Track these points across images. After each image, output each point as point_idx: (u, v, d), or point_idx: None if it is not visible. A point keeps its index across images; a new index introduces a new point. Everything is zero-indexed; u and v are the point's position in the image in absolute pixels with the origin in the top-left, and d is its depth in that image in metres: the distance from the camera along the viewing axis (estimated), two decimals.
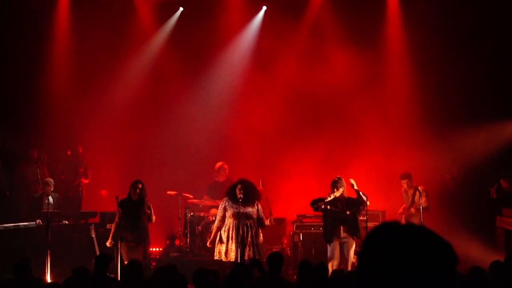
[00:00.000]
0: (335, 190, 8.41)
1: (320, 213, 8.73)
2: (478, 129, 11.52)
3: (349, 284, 5.10)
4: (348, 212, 8.37)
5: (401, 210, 10.30)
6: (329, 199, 8.38)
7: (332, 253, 8.35)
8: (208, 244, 8.84)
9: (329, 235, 8.40)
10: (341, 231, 8.37)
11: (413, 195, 10.11)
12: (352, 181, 8.55)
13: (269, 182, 11.14)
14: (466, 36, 11.65)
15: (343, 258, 8.43)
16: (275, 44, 12.24)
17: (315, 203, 8.46)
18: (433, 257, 1.47)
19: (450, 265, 1.48)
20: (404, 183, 10.29)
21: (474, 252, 9.30)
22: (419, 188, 10.09)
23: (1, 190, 11.01)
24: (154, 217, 8.86)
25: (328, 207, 8.40)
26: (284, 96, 12.13)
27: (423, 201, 9.84)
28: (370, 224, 9.17)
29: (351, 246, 8.38)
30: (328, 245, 8.45)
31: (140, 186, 8.64)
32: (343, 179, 8.57)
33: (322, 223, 8.82)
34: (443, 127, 11.64)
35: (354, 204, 8.45)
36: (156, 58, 12.70)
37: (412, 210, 10.02)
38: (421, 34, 11.95)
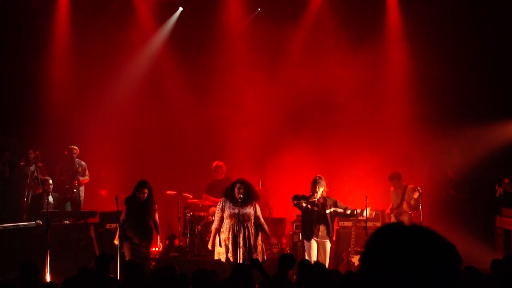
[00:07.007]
0: (317, 189, 8.40)
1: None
2: (479, 129, 11.52)
3: (350, 284, 5.10)
4: (327, 212, 8.39)
5: (388, 211, 10.31)
6: (314, 199, 8.37)
7: (310, 252, 8.36)
8: (209, 247, 8.75)
9: (309, 233, 8.40)
10: (320, 231, 8.39)
11: (403, 193, 10.17)
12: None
13: (268, 182, 11.15)
14: (466, 36, 11.66)
15: (319, 258, 8.40)
16: (274, 42, 12.24)
17: (298, 199, 8.45)
18: (437, 258, 1.47)
19: (454, 266, 1.48)
20: (392, 184, 10.33)
21: (474, 253, 9.29)
22: (409, 187, 10.11)
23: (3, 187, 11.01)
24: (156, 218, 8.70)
25: (309, 206, 8.41)
26: (284, 96, 12.13)
27: (413, 199, 9.89)
28: (370, 224, 9.17)
29: (327, 246, 8.41)
30: (305, 243, 8.46)
31: (146, 190, 8.49)
32: (323, 179, 8.56)
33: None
34: (443, 127, 11.65)
35: (332, 205, 8.47)
36: (156, 58, 12.70)
37: (404, 206, 10.05)
38: (421, 34, 11.96)
